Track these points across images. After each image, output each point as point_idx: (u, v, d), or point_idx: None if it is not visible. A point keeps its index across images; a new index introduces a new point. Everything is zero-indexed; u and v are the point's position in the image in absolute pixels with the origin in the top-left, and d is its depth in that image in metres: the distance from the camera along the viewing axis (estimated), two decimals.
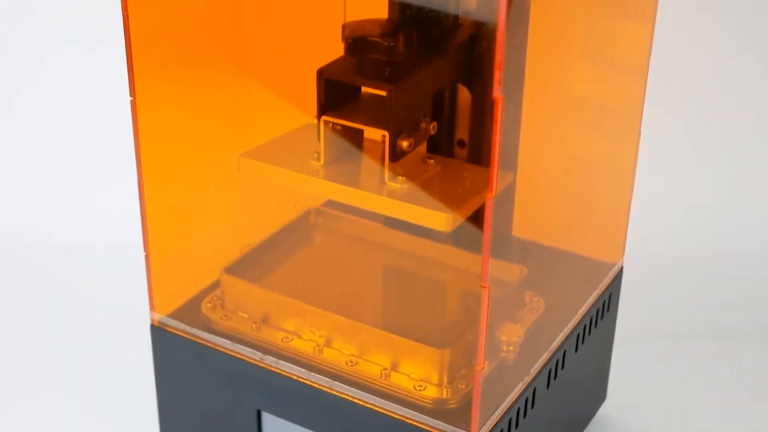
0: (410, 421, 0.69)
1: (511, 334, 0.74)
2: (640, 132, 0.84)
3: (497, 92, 0.58)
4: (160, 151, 0.76)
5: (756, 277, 1.15)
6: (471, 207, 0.70)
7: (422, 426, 0.69)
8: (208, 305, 0.79)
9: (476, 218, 0.67)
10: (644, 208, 1.00)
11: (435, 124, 0.72)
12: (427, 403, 0.70)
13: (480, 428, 0.67)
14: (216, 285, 0.81)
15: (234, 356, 0.75)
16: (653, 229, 1.19)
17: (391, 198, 0.70)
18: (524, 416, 0.74)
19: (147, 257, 0.78)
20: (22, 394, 0.95)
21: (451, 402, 0.70)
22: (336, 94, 0.72)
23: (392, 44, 0.69)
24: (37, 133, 1.28)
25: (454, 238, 0.80)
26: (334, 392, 0.72)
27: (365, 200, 0.72)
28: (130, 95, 0.73)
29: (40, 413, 0.92)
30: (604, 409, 0.93)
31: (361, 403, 0.71)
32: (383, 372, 0.71)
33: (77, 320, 1.06)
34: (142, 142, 0.74)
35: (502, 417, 0.70)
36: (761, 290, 1.13)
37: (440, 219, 0.68)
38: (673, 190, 1.25)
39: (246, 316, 0.77)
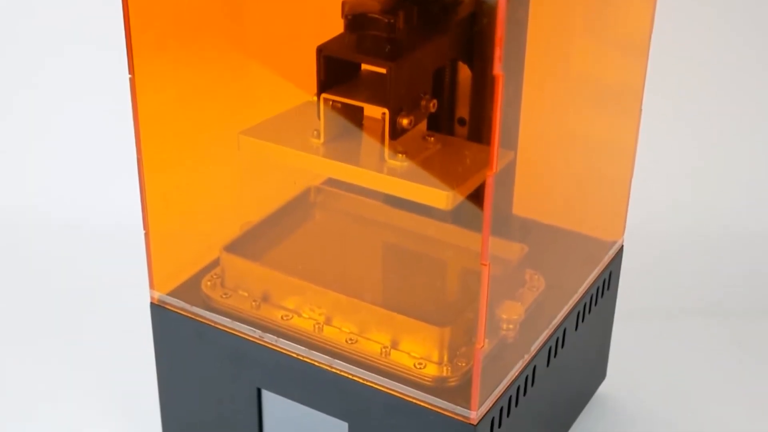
0: (410, 399, 0.69)
1: (511, 312, 0.74)
2: (641, 110, 0.84)
3: (497, 69, 0.58)
4: (160, 129, 0.76)
5: (755, 254, 1.15)
6: (471, 185, 0.69)
7: (422, 404, 0.69)
8: (208, 283, 0.79)
9: (476, 196, 0.67)
10: (645, 186, 1.00)
11: (435, 101, 0.72)
12: (427, 380, 0.70)
13: (480, 406, 0.67)
14: (216, 263, 0.81)
15: (234, 334, 0.75)
16: (654, 208, 1.19)
17: (391, 176, 0.70)
18: (524, 394, 0.74)
19: (146, 236, 0.78)
20: (21, 372, 0.95)
21: (451, 380, 0.70)
22: (336, 71, 0.72)
23: (392, 21, 0.68)
24: (40, 115, 1.28)
25: (455, 217, 0.80)
26: (334, 370, 0.72)
27: (365, 178, 0.72)
28: (129, 73, 0.72)
29: (39, 392, 0.93)
30: (603, 387, 0.93)
31: (361, 381, 0.71)
32: (383, 350, 0.71)
33: (78, 299, 1.06)
34: (141, 120, 0.74)
35: (502, 395, 0.70)
36: (760, 268, 1.13)
37: (440, 197, 0.68)
38: (673, 169, 1.25)
39: (246, 294, 0.77)
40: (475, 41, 0.73)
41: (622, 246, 0.88)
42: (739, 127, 1.28)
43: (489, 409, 0.69)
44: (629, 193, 0.87)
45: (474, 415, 0.67)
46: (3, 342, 1.00)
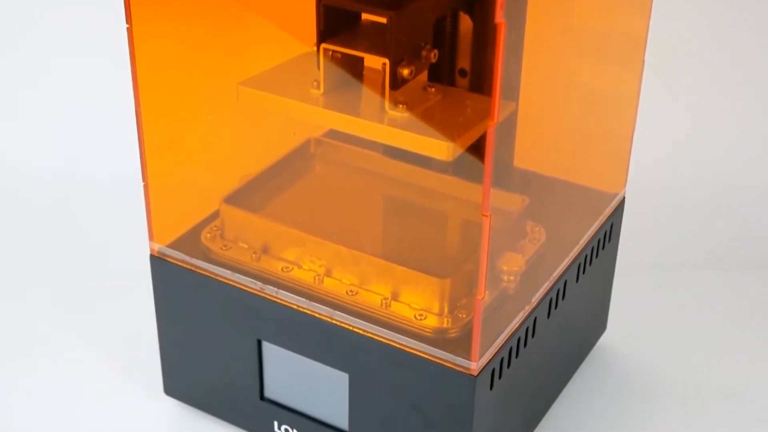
0: (410, 350, 0.69)
1: (512, 264, 0.74)
2: (643, 61, 0.83)
3: (499, 17, 0.57)
4: (158, 80, 0.75)
5: (756, 207, 1.15)
6: (472, 136, 0.69)
7: (422, 355, 0.69)
8: (208, 235, 0.79)
9: (477, 147, 0.67)
10: (647, 138, 0.99)
11: (436, 51, 0.71)
12: (428, 332, 0.70)
13: (480, 357, 0.67)
14: (216, 215, 0.80)
15: (234, 286, 0.75)
16: (655, 159, 1.18)
17: (391, 127, 0.69)
18: (525, 345, 0.74)
19: (146, 188, 0.77)
20: (23, 325, 0.95)
21: (451, 331, 0.70)
22: (335, 21, 0.71)
23: None
24: (37, 65, 1.28)
25: (455, 168, 0.80)
26: (334, 322, 0.72)
27: (365, 129, 0.71)
28: (127, 22, 0.72)
29: (41, 345, 0.93)
30: (604, 339, 0.94)
31: (361, 332, 0.71)
32: (384, 301, 0.71)
33: (78, 251, 1.06)
34: (139, 70, 0.74)
35: (502, 346, 0.70)
36: (761, 220, 1.13)
37: (441, 148, 0.68)
38: (675, 120, 1.25)
39: (246, 246, 0.77)
40: None
41: (624, 198, 0.88)
42: (741, 80, 1.27)
43: (489, 361, 0.69)
44: (631, 145, 0.87)
45: (474, 366, 0.67)
46: (4, 295, 1.00)
